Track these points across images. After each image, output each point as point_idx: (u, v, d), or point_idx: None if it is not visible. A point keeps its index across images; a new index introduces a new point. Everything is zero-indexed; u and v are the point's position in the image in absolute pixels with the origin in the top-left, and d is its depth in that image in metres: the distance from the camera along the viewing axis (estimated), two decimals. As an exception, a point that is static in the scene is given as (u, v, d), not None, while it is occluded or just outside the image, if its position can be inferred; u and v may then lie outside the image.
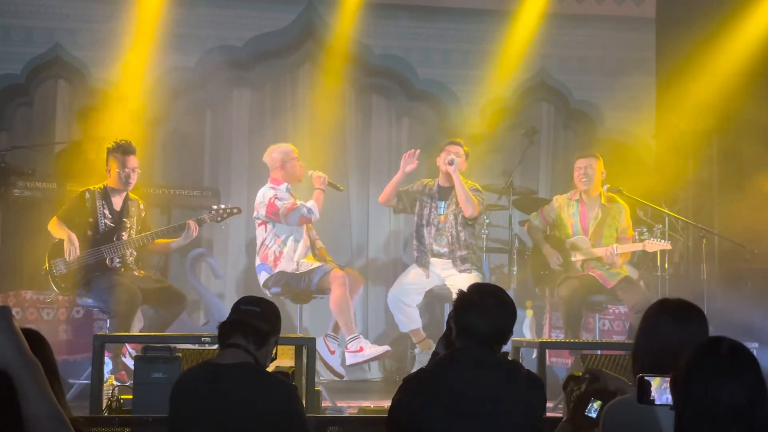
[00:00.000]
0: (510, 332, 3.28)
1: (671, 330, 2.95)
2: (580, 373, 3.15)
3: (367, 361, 6.56)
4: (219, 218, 6.66)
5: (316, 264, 6.61)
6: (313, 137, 8.20)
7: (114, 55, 7.92)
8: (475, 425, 3.06)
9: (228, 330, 3.60)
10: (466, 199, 6.91)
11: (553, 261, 7.04)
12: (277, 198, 6.66)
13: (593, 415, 2.99)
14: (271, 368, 3.88)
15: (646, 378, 2.44)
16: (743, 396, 2.18)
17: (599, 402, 3.01)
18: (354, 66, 8.67)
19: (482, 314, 3.19)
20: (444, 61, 8.77)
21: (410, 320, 6.99)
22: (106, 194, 6.50)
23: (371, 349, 6.41)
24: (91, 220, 6.44)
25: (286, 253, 6.64)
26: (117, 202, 6.53)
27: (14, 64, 8.11)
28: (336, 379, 6.70)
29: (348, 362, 6.45)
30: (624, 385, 3.17)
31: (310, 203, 6.71)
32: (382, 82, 8.95)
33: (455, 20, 8.70)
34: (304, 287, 6.56)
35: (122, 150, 6.43)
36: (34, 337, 2.55)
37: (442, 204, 7.13)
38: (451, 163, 6.90)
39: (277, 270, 6.62)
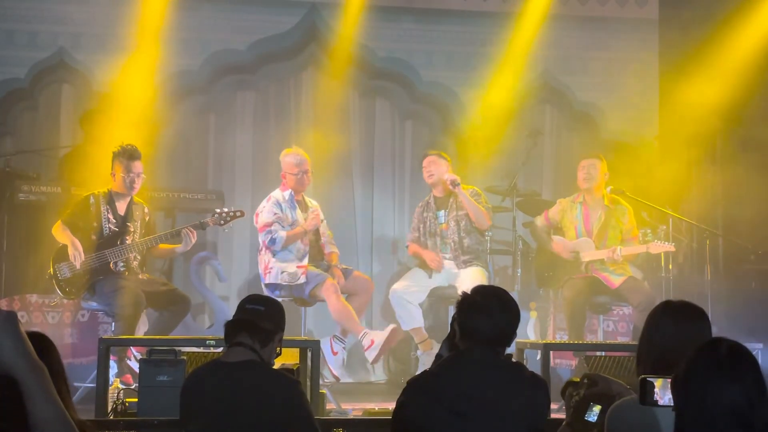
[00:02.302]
0: (513, 334, 3.28)
1: (673, 331, 2.97)
2: (578, 378, 3.17)
3: (384, 348, 6.42)
4: (222, 221, 6.66)
5: (307, 272, 6.61)
6: (317, 140, 8.20)
7: (118, 59, 7.92)
8: (479, 427, 3.07)
9: (233, 329, 3.70)
10: (477, 214, 6.98)
11: (565, 253, 7.03)
12: (262, 210, 6.75)
13: (593, 419, 3.00)
14: (276, 365, 3.93)
15: (649, 379, 2.45)
16: (743, 397, 2.18)
17: (599, 406, 3.02)
18: (357, 69, 8.69)
19: (485, 316, 3.20)
20: (447, 63, 8.77)
21: (411, 318, 6.99)
22: (110, 198, 6.51)
23: (380, 337, 6.40)
24: (95, 224, 6.45)
25: (277, 261, 6.67)
26: (121, 206, 6.54)
27: (18, 68, 8.13)
28: (332, 380, 6.68)
29: (370, 359, 6.47)
30: (623, 388, 3.18)
31: (278, 236, 6.63)
32: (385, 84, 8.96)
33: (458, 22, 8.71)
34: (298, 295, 6.60)
35: (128, 155, 6.43)
36: (40, 340, 2.56)
37: (441, 213, 7.18)
38: (454, 185, 6.94)
39: (266, 281, 6.70)
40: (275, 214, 6.69)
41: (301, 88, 8.90)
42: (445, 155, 7.25)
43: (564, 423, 3.06)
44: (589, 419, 3.00)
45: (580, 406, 3.02)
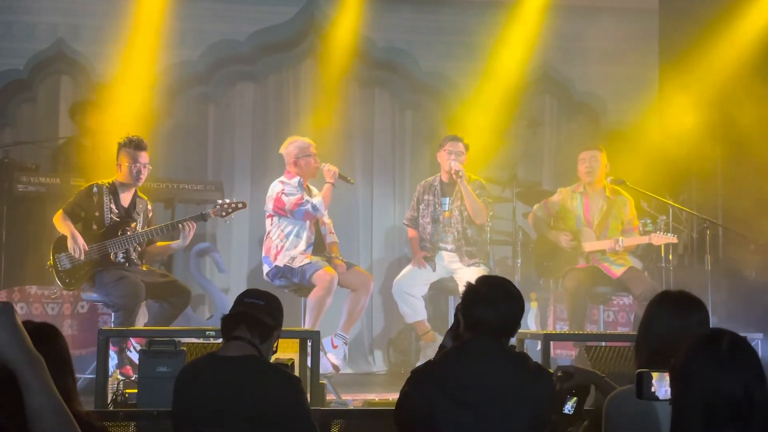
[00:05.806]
0: (518, 325, 3.29)
1: (671, 321, 2.98)
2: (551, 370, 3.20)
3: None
4: (224, 213, 6.61)
5: (310, 260, 6.60)
6: (316, 131, 8.18)
7: (117, 50, 7.91)
8: (483, 417, 3.07)
9: (232, 322, 3.61)
10: (475, 209, 6.94)
11: (564, 242, 7.01)
12: (284, 193, 6.67)
13: (570, 411, 3.01)
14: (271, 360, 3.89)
15: (646, 372, 2.43)
16: (742, 389, 2.18)
17: (575, 398, 3.04)
18: (357, 59, 8.67)
19: (490, 307, 3.19)
20: (447, 53, 8.76)
21: (415, 312, 6.99)
22: (114, 189, 6.48)
23: (330, 357, 6.40)
24: (97, 214, 6.43)
25: (286, 248, 6.66)
26: (125, 198, 6.51)
27: (17, 59, 8.12)
28: (332, 371, 6.65)
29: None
30: (597, 377, 3.19)
31: (317, 200, 6.70)
32: (384, 75, 8.95)
33: (458, 12, 8.69)
34: (299, 282, 6.59)
35: (134, 145, 6.41)
36: (47, 330, 2.55)
37: (446, 200, 7.14)
38: (458, 174, 6.90)
39: (275, 263, 6.66)
40: (299, 191, 6.69)
41: (300, 79, 8.88)
42: (459, 136, 7.20)
43: None
44: (567, 411, 3.02)
45: (556, 399, 3.04)
